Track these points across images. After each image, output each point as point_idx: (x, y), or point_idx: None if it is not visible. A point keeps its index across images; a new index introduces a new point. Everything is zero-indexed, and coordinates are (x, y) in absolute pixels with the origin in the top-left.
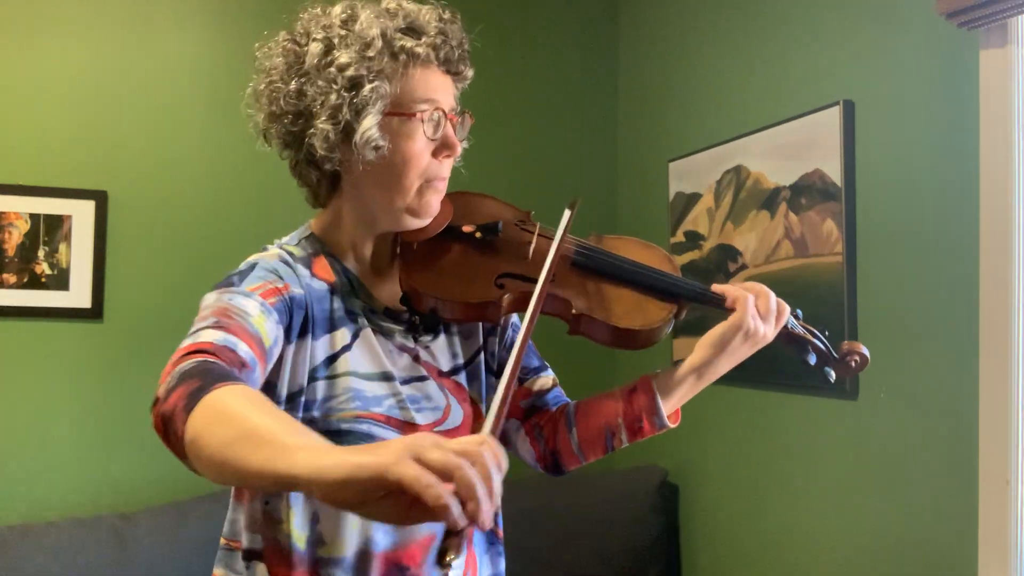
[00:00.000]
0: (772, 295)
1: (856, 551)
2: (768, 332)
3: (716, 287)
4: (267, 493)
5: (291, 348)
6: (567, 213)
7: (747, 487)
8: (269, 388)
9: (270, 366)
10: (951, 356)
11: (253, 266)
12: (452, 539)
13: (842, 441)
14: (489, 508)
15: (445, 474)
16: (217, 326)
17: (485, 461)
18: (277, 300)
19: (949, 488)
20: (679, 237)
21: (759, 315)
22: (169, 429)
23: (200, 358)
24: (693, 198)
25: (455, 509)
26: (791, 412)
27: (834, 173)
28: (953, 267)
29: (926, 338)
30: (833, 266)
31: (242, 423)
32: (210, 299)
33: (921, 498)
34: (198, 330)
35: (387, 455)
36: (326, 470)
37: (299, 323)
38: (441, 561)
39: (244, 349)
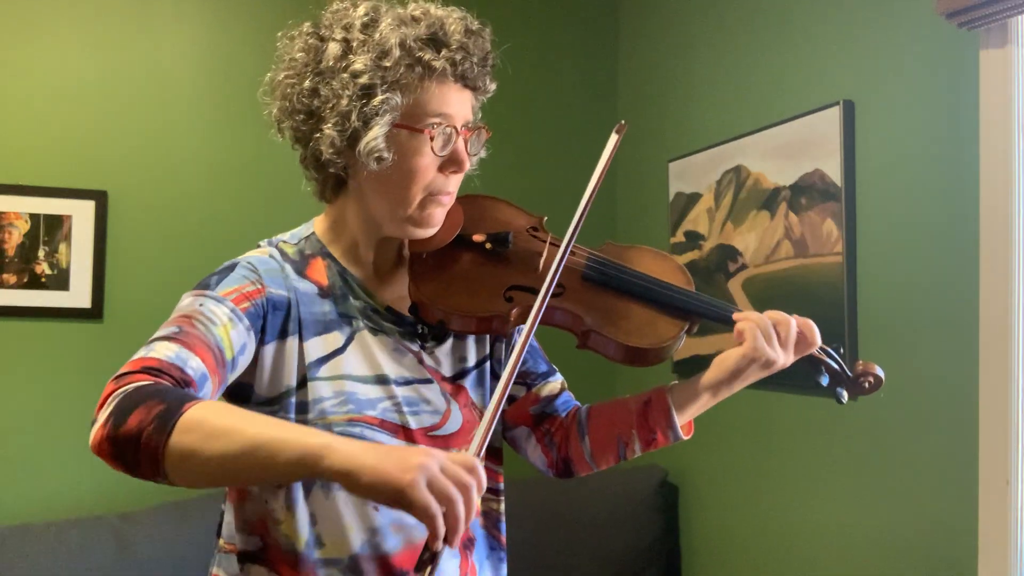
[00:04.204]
0: (792, 324)
1: (856, 551)
2: (787, 360)
3: (737, 315)
4: (272, 486)
5: (269, 349)
6: (614, 137)
7: (747, 487)
8: (243, 390)
9: (232, 375)
10: (951, 356)
11: (233, 266)
12: (427, 556)
13: (842, 441)
14: (461, 535)
15: (443, 500)
16: (174, 338)
17: (471, 497)
18: (250, 304)
19: (949, 488)
20: (679, 237)
21: (778, 343)
22: (132, 449)
23: (145, 380)
24: (693, 198)
25: (440, 535)
26: (791, 412)
27: (834, 173)
28: (953, 267)
29: (926, 338)
30: (833, 266)
31: (242, 437)
32: (183, 302)
33: (921, 498)
34: (157, 339)
35: (406, 474)
36: (356, 472)
37: (278, 324)
38: (419, 571)
39: (194, 364)
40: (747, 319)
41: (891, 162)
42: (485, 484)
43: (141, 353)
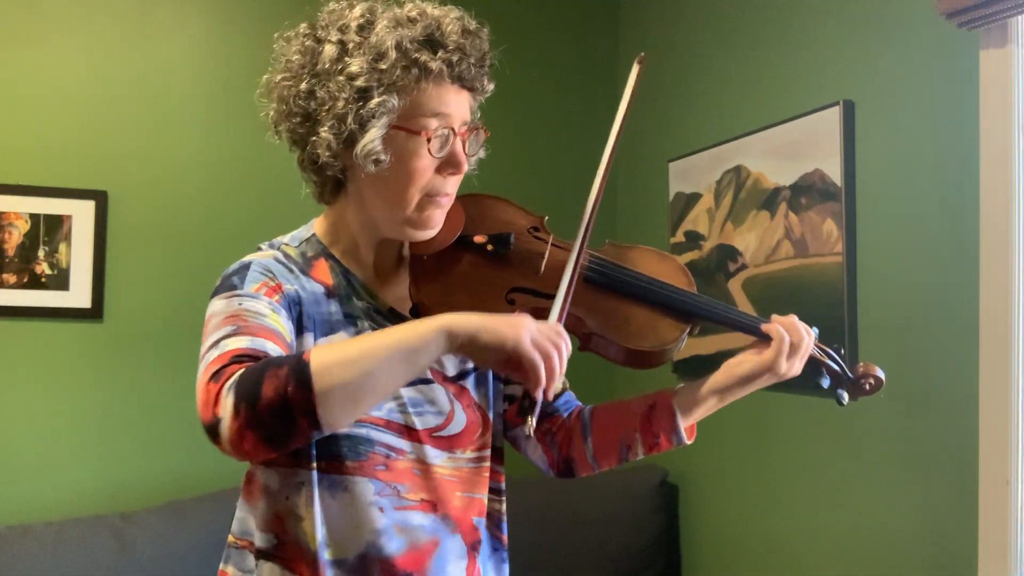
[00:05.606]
0: (810, 336)
1: (856, 551)
2: (797, 370)
3: (765, 326)
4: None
5: (292, 345)
6: (636, 68)
7: (747, 487)
8: None
9: None
10: (951, 356)
11: (247, 265)
12: (529, 403)
13: (842, 441)
14: (557, 387)
15: (543, 354)
16: (239, 332)
17: (563, 354)
18: (278, 296)
19: (949, 488)
20: (679, 237)
21: (796, 354)
22: (282, 416)
23: (241, 367)
24: (693, 198)
25: (541, 384)
26: (791, 412)
27: (834, 173)
28: (953, 267)
29: (926, 338)
30: (833, 266)
31: (376, 350)
32: (218, 306)
33: (921, 498)
34: (220, 339)
35: (515, 331)
36: (478, 332)
37: (295, 319)
38: (525, 416)
39: (272, 347)
40: (773, 328)
41: (891, 162)
42: (570, 349)
43: (214, 353)
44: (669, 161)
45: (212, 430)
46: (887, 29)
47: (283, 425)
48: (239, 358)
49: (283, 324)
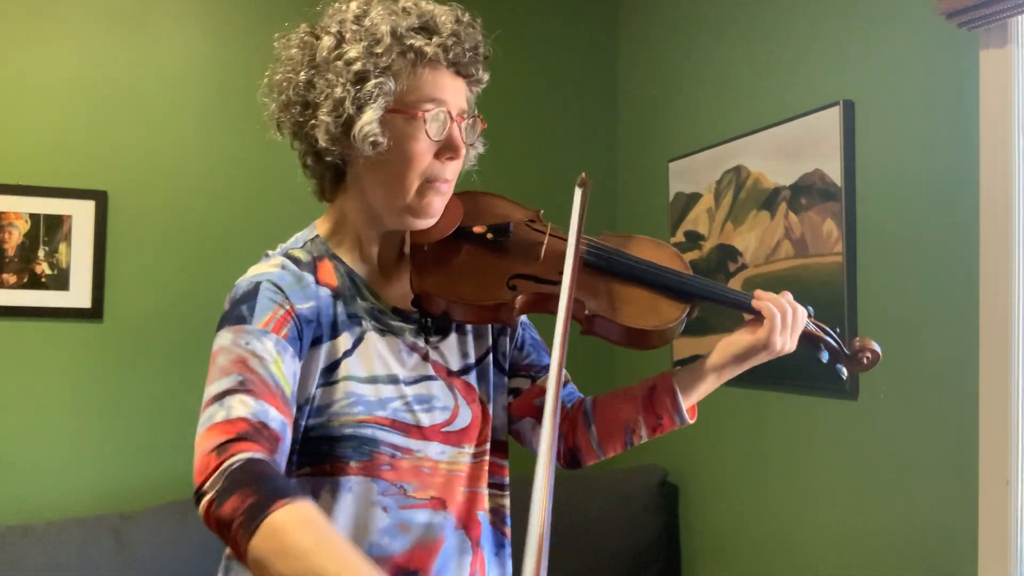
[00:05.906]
0: (801, 312)
1: (856, 551)
2: (791, 346)
3: (755, 302)
4: None
5: (294, 396)
6: (578, 192)
7: (747, 487)
8: None
9: (293, 408)
10: (951, 356)
11: (256, 287)
12: None
13: (842, 441)
14: None
15: None
16: (244, 389)
17: None
18: (289, 329)
19: (949, 488)
20: (679, 237)
21: (788, 330)
22: (223, 533)
23: (246, 453)
24: (693, 198)
25: None
26: (791, 412)
27: (834, 173)
28: (953, 267)
29: (926, 338)
30: (833, 266)
31: (309, 565)
32: (225, 341)
33: (921, 498)
34: (225, 394)
35: None
36: None
37: (310, 336)
38: None
39: (274, 416)
40: (765, 305)
41: (891, 162)
42: None
43: (220, 414)
44: (669, 161)
45: (196, 494)
46: (887, 29)
47: (224, 536)
48: (244, 436)
49: (286, 371)
